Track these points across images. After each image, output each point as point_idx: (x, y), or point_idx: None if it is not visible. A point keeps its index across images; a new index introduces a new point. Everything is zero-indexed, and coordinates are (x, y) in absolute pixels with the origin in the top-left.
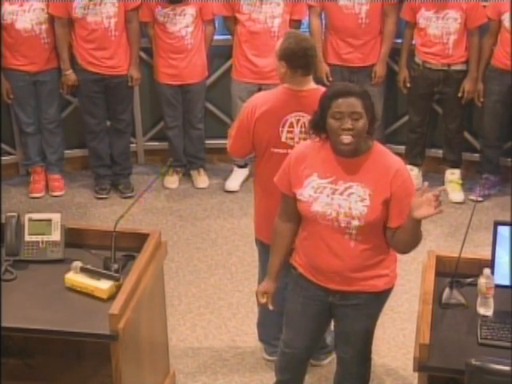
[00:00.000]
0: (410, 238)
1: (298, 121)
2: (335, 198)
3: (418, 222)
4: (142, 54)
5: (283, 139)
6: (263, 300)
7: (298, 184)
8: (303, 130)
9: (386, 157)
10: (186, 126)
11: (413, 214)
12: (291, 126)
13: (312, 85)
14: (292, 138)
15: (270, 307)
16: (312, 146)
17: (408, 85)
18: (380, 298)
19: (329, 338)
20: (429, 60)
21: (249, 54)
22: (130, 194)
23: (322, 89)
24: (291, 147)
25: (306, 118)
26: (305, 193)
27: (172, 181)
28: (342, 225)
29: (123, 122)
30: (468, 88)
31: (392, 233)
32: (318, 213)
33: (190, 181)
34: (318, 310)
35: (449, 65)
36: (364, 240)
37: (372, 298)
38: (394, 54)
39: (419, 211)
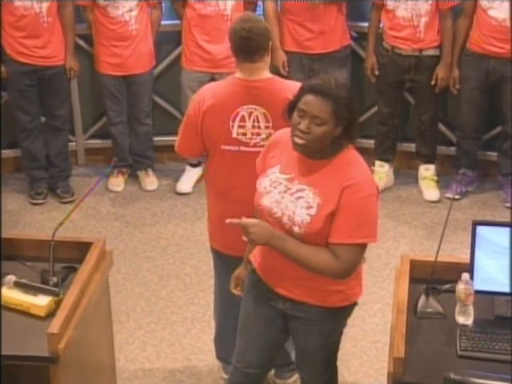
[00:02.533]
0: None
1: (251, 114)
2: (286, 197)
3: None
4: (81, 42)
5: (234, 135)
6: (233, 288)
7: (263, 171)
8: (256, 124)
9: (352, 167)
10: (132, 122)
11: None
12: (242, 119)
13: (266, 74)
14: (244, 134)
15: (238, 292)
16: (288, 134)
17: (376, 72)
18: (334, 314)
19: (293, 354)
20: (398, 45)
21: (199, 40)
22: (69, 199)
23: (278, 79)
24: (244, 144)
25: (259, 111)
26: (263, 183)
27: (117, 183)
28: (286, 227)
29: (60, 119)
30: (441, 75)
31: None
32: (266, 208)
33: (137, 182)
34: (270, 316)
35: (420, 50)
36: None
37: (324, 313)
38: (361, 38)
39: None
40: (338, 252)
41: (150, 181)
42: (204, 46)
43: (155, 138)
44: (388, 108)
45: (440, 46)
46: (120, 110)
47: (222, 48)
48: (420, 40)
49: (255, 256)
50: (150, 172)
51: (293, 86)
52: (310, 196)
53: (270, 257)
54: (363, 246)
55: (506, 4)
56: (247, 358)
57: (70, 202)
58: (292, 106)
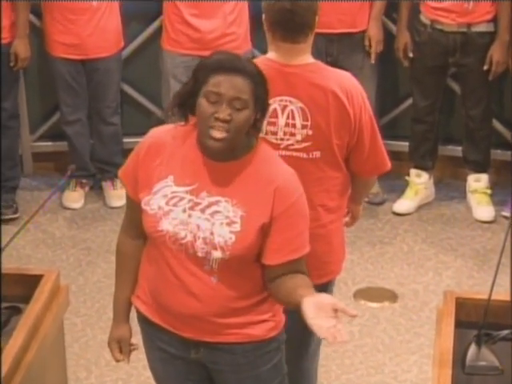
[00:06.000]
0: (284, 304)
1: (285, 108)
2: (194, 215)
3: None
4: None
5: (261, 133)
6: (119, 356)
7: (145, 186)
8: (291, 121)
9: (271, 165)
10: (95, 120)
11: (306, 315)
12: (274, 114)
13: (307, 58)
14: (274, 133)
15: (127, 361)
16: (174, 133)
17: (411, 54)
18: (264, 350)
19: None
20: (440, 19)
21: (186, 15)
22: (11, 216)
23: (322, 65)
24: (273, 146)
25: (295, 105)
26: (153, 202)
27: (74, 198)
28: (200, 255)
29: (5, 113)
30: (497, 57)
31: (271, 273)
32: (169, 233)
33: (101, 197)
34: (183, 371)
35: (468, 25)
36: (231, 275)
37: (251, 351)
38: (391, 9)
39: (315, 319)
40: (300, 268)
41: (118, 195)
42: (191, 22)
43: (125, 140)
44: (427, 100)
45: (494, 20)
46: (77, 105)
47: (214, 24)
48: (468, 12)
49: (140, 298)
50: (118, 184)
51: (341, 77)
52: (228, 209)
53: (167, 295)
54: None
55: None
56: None
57: (13, 220)
58: (190, 93)
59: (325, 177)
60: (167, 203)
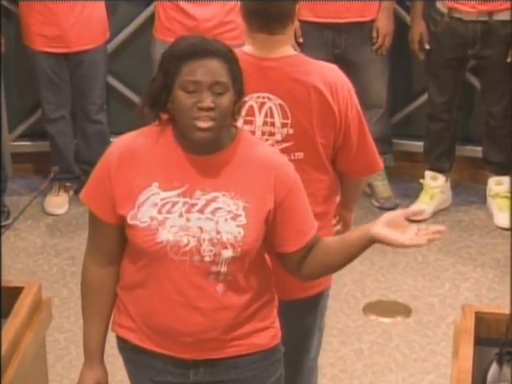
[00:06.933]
0: (341, 262)
1: (262, 105)
2: (193, 217)
3: (370, 244)
4: (4, 2)
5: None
6: None
7: (126, 202)
8: (269, 120)
9: (257, 150)
10: (79, 118)
11: (392, 239)
12: (251, 112)
13: (287, 50)
14: (252, 133)
15: None
16: (146, 136)
17: (427, 46)
18: (269, 359)
19: None
20: (458, 7)
21: (180, 0)
22: (5, 223)
23: (304, 58)
24: None
25: (273, 102)
26: (142, 215)
27: (58, 203)
28: (207, 259)
29: None
30: None
31: (296, 258)
32: (169, 243)
33: None
34: None
35: (490, 13)
36: (236, 280)
37: (257, 361)
38: None
39: (402, 236)
40: (317, 240)
41: None
42: (186, 9)
43: (112, 139)
44: (443, 96)
45: None
46: (60, 102)
47: (211, 11)
48: None
49: (125, 326)
50: None
51: (325, 69)
52: (229, 203)
53: (165, 315)
54: None
55: None
56: None
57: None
58: (162, 88)
59: (309, 180)
60: (160, 212)
